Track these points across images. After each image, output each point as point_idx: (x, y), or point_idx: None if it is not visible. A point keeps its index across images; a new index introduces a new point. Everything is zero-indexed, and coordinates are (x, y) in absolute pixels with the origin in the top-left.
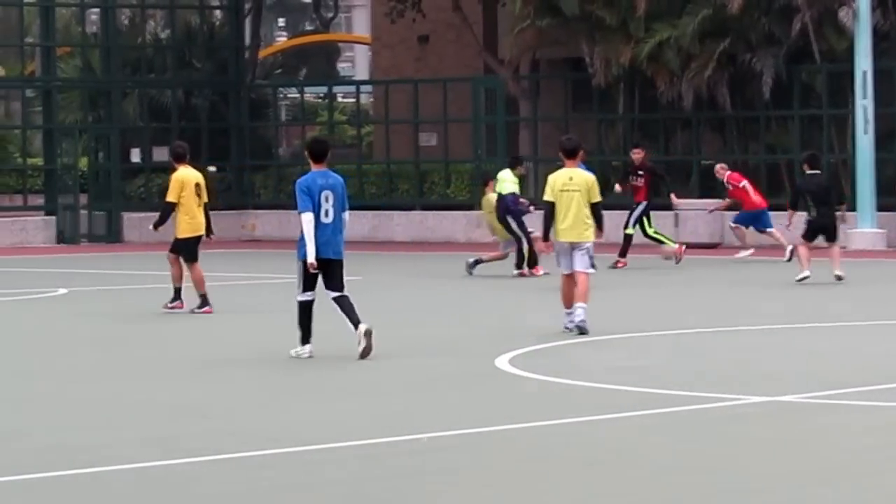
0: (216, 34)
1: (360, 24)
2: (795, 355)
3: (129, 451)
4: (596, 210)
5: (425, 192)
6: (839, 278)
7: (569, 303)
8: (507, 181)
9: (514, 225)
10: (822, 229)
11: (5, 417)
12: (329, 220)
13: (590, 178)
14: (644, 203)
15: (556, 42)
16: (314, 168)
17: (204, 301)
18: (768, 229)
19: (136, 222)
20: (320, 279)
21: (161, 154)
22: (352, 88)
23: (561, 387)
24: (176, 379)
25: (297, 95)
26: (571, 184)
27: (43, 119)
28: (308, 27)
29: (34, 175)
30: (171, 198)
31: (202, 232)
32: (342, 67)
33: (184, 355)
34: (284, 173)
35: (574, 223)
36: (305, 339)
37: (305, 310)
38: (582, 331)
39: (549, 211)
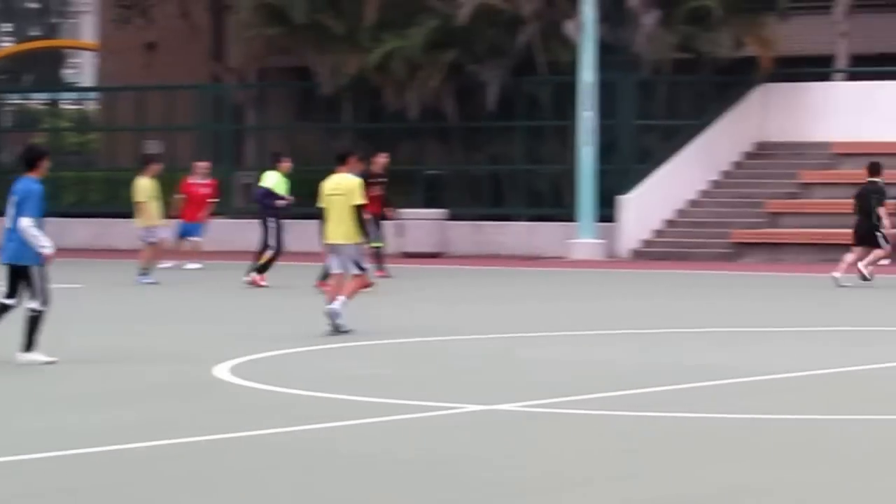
0: None
1: (88, 30)
2: (517, 364)
3: None
4: (357, 214)
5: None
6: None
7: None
8: (269, 177)
9: (270, 229)
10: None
11: None
12: (8, 223)
13: (353, 182)
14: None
15: (284, 51)
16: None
17: None
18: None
19: None
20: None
21: None
22: (77, 95)
23: (279, 395)
24: None
25: (22, 102)
26: (337, 189)
27: None
28: (35, 32)
29: None
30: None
31: None
32: (68, 74)
33: None
34: (6, 180)
35: (337, 226)
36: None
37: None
38: (336, 326)
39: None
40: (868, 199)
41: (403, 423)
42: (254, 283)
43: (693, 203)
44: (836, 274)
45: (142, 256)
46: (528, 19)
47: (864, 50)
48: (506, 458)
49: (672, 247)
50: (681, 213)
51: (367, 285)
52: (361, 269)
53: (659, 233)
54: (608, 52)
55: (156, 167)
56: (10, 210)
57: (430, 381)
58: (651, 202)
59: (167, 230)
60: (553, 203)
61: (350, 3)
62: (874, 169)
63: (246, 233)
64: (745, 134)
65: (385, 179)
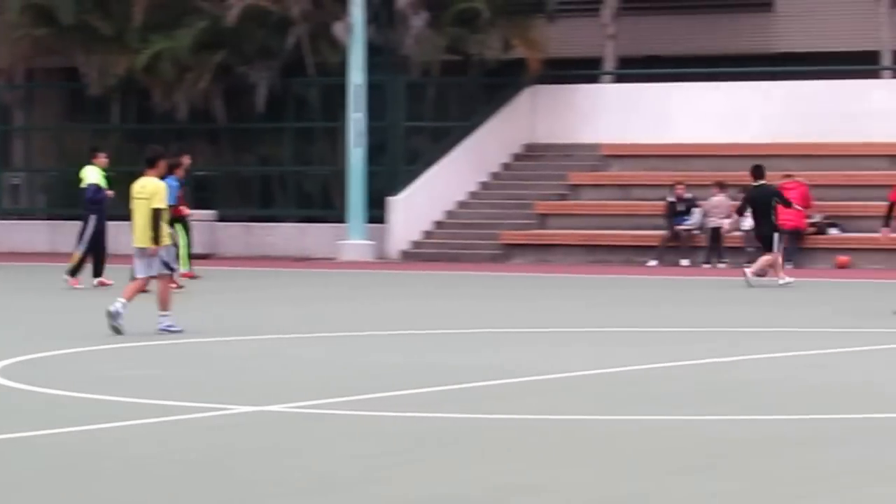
0: None
1: None
2: (289, 364)
3: None
4: (154, 217)
5: None
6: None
7: (129, 296)
8: (89, 172)
9: (88, 227)
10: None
11: None
12: None
13: (158, 186)
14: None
15: (51, 51)
16: None
17: None
18: None
19: None
20: None
21: None
22: None
23: (46, 397)
24: None
25: None
26: (142, 192)
27: None
28: None
29: None
30: None
31: None
32: None
33: None
34: None
35: (140, 229)
36: None
37: None
38: (115, 327)
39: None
40: (769, 202)
41: (174, 424)
42: (73, 285)
43: (462, 204)
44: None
45: None
46: (297, 21)
47: (632, 52)
48: (274, 458)
49: (442, 248)
50: (450, 214)
51: (176, 286)
52: (170, 269)
53: (428, 234)
54: (377, 54)
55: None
56: None
57: (201, 383)
58: (420, 203)
59: None
60: (323, 204)
61: (118, 5)
62: (761, 172)
63: (13, 234)
64: (514, 135)
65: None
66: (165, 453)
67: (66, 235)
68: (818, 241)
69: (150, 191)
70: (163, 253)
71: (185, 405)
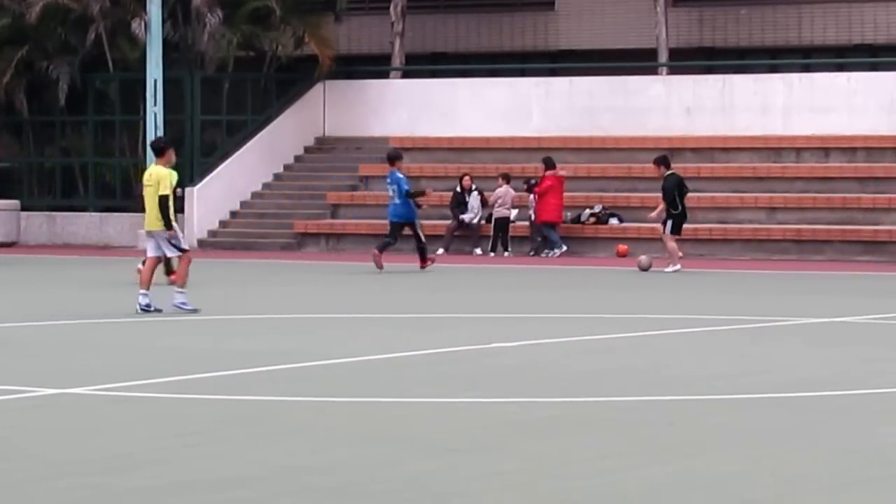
0: None
1: None
2: (90, 349)
3: None
4: (161, 203)
5: None
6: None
7: (144, 284)
8: None
9: None
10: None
11: None
12: None
13: (164, 173)
14: None
15: None
16: None
17: None
18: None
19: None
20: None
21: None
22: None
23: None
24: None
25: None
26: (150, 179)
27: None
28: None
29: None
30: None
31: None
32: None
33: None
34: None
35: (149, 214)
36: None
37: None
38: (181, 308)
39: None
40: (684, 189)
41: None
42: None
43: (257, 195)
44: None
45: None
46: (97, 18)
47: (419, 49)
48: (74, 439)
49: (238, 237)
50: (245, 204)
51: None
52: (181, 250)
53: (224, 223)
54: (174, 51)
55: None
56: None
57: (6, 366)
58: (216, 194)
59: None
60: (123, 195)
61: None
62: (668, 161)
63: None
64: (307, 129)
65: None
66: None
67: None
68: (600, 230)
69: (156, 178)
70: (171, 236)
71: None
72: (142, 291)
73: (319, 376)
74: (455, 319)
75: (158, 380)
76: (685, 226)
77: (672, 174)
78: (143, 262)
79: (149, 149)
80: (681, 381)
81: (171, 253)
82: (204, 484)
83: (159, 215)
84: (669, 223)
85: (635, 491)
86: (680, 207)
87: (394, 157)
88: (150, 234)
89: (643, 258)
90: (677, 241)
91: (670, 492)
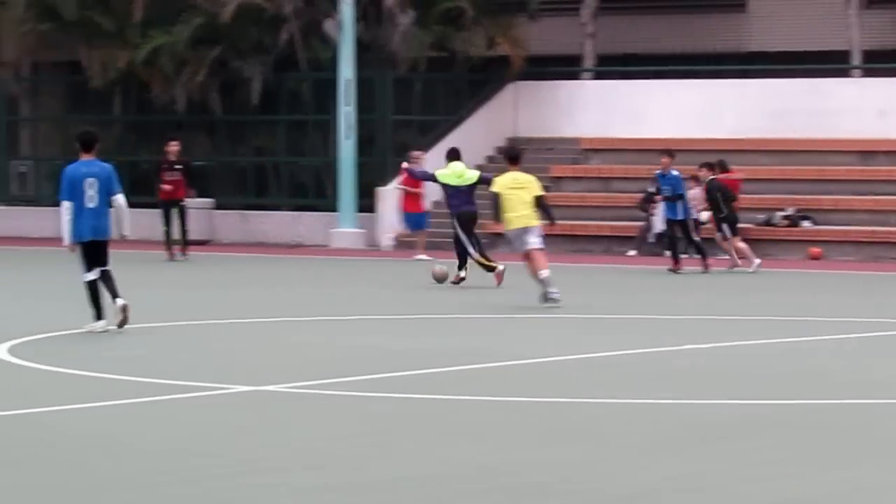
0: None
1: None
2: (285, 347)
3: None
4: (540, 201)
5: None
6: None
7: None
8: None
9: None
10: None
11: None
12: (94, 204)
13: (527, 176)
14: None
15: (55, 45)
16: (82, 157)
17: None
18: None
19: None
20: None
21: None
22: None
23: (58, 375)
24: None
25: None
26: (517, 183)
27: None
28: None
29: None
30: None
31: None
32: None
33: None
34: None
35: (520, 214)
36: (98, 315)
37: (93, 288)
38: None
39: None
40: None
41: (174, 402)
42: None
43: None
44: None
45: None
46: (289, 18)
47: (610, 50)
48: (267, 436)
49: (429, 236)
50: (437, 204)
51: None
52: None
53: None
54: (366, 51)
55: None
56: (91, 190)
57: (203, 363)
58: None
59: None
60: (315, 194)
61: (119, 1)
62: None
63: (21, 219)
64: (498, 129)
65: (180, 167)
66: (165, 429)
67: None
68: (792, 233)
69: (524, 182)
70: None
71: (188, 384)
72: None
73: (508, 376)
74: (645, 321)
75: (350, 378)
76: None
77: (713, 179)
78: (421, 260)
79: (341, 147)
80: (881, 385)
81: (532, 245)
82: (394, 482)
83: (533, 214)
84: (725, 227)
85: (825, 494)
86: (726, 210)
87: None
88: (526, 230)
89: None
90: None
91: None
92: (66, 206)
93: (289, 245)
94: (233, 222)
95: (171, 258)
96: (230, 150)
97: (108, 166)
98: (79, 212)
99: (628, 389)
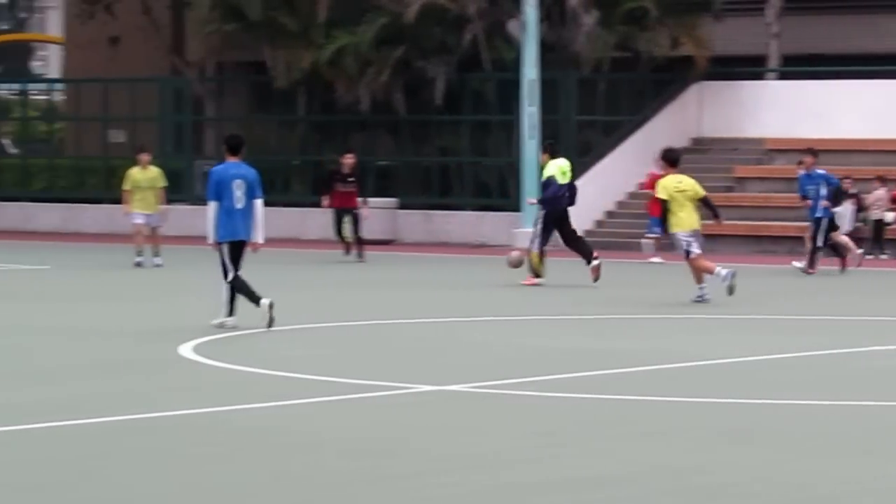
0: None
1: (54, 24)
2: (466, 347)
3: None
4: (707, 201)
5: (114, 186)
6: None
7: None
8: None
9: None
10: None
11: None
12: (241, 205)
13: (690, 179)
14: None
15: (240, 46)
16: (228, 160)
17: None
18: None
19: None
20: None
21: None
22: (44, 86)
23: (243, 374)
24: None
25: None
26: (682, 186)
27: None
28: (3, 26)
29: None
30: None
31: None
32: (36, 66)
33: None
34: None
35: (689, 216)
36: (231, 312)
37: (236, 286)
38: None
39: None
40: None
41: (359, 401)
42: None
43: (632, 195)
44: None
45: (137, 241)
46: (473, 18)
47: (795, 50)
48: (450, 435)
49: (611, 237)
50: (620, 204)
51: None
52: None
53: (599, 223)
54: (550, 51)
55: (145, 157)
56: (238, 192)
57: (385, 363)
58: (592, 194)
59: (156, 217)
60: (499, 194)
61: (303, 1)
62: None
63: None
64: (682, 130)
65: (354, 178)
66: (346, 429)
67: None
68: None
69: (687, 185)
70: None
71: (371, 384)
72: (703, 284)
73: (690, 376)
74: (831, 322)
75: (529, 378)
76: None
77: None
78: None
79: (524, 148)
80: None
81: (698, 251)
82: (575, 482)
83: (698, 216)
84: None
85: None
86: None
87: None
88: (694, 233)
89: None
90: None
91: None
92: (214, 206)
93: (472, 245)
94: (416, 222)
95: (347, 252)
96: (414, 150)
97: (253, 170)
98: (226, 212)
99: (815, 390)
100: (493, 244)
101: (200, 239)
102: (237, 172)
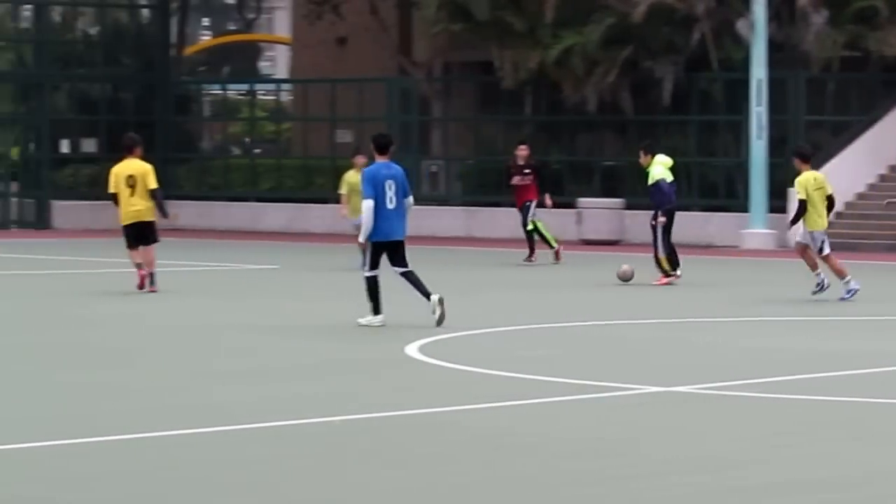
0: (143, 32)
1: (282, 25)
2: (690, 348)
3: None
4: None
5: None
6: None
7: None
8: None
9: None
10: None
11: None
12: (393, 205)
13: (820, 175)
14: (535, 200)
15: (467, 46)
16: (378, 160)
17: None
18: None
19: (65, 210)
20: (385, 257)
21: (89, 145)
22: (272, 86)
23: (469, 374)
24: (112, 362)
25: (220, 92)
26: (817, 184)
27: None
28: (231, 27)
29: None
30: (109, 189)
31: (134, 220)
32: (263, 66)
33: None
34: (207, 166)
35: (822, 216)
36: (376, 310)
37: (374, 284)
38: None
39: None
40: None
41: (585, 402)
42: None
43: (861, 196)
44: None
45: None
46: (701, 17)
47: None
48: (675, 436)
49: (841, 238)
50: (849, 205)
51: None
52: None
53: (829, 224)
54: (778, 51)
55: (360, 160)
56: (390, 192)
57: (610, 363)
58: None
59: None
60: (726, 194)
61: (530, 1)
62: None
63: (431, 219)
64: None
65: (529, 171)
66: (571, 429)
67: (480, 222)
68: None
69: (821, 182)
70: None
71: (596, 384)
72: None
73: None
74: None
75: (754, 380)
76: None
77: None
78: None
79: (752, 148)
80: None
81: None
82: (802, 485)
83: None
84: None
85: None
86: None
87: None
88: (825, 232)
89: (625, 268)
90: None
91: None
92: (369, 204)
93: (700, 245)
94: (643, 223)
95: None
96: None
97: (401, 169)
98: (381, 213)
99: None
100: (721, 244)
101: (428, 239)
102: (388, 173)
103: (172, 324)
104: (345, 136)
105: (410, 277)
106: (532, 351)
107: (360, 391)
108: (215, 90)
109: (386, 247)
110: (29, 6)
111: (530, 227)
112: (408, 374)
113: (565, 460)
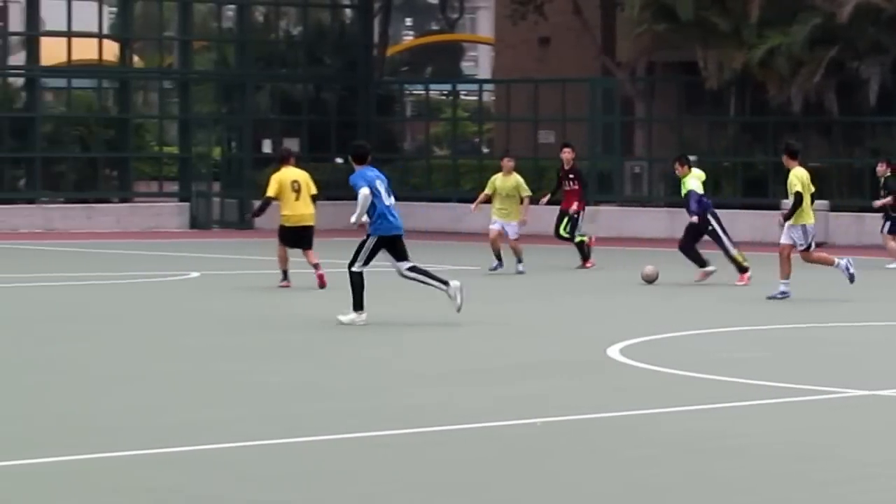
0: (346, 32)
1: (484, 25)
2: (892, 350)
3: (251, 429)
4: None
5: (543, 187)
6: None
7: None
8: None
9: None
10: None
11: (140, 394)
12: (390, 201)
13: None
14: (582, 211)
15: (671, 46)
16: (359, 168)
17: (284, 276)
18: None
19: (267, 210)
20: (385, 254)
21: (291, 145)
22: (474, 86)
23: (670, 377)
24: (290, 359)
25: (423, 92)
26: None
27: (179, 109)
28: (434, 27)
29: (170, 163)
30: (268, 192)
31: (299, 223)
32: (465, 66)
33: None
34: (410, 166)
35: None
36: (360, 306)
37: (361, 280)
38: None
39: None
40: None
41: (788, 405)
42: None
43: None
44: None
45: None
46: None
47: None
48: (885, 441)
49: None
50: None
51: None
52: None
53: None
54: None
55: (509, 164)
56: (382, 189)
57: (815, 366)
58: None
59: (514, 227)
60: None
61: (735, 1)
62: None
63: (634, 220)
64: None
65: (573, 176)
66: (768, 433)
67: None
68: None
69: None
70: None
71: (799, 387)
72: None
73: None
74: None
75: None
76: None
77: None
78: None
79: None
80: None
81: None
82: None
83: None
84: (888, 224)
85: None
86: None
87: None
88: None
89: (649, 269)
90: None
91: None
92: (366, 190)
93: None
94: (848, 225)
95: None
96: (846, 151)
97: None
98: (381, 211)
99: None
100: None
101: (630, 240)
102: (374, 174)
103: (394, 322)
104: (548, 137)
105: (418, 270)
106: (733, 354)
107: (560, 393)
108: (417, 90)
109: (388, 242)
110: (232, 6)
111: (577, 239)
112: (609, 377)
113: (769, 464)
